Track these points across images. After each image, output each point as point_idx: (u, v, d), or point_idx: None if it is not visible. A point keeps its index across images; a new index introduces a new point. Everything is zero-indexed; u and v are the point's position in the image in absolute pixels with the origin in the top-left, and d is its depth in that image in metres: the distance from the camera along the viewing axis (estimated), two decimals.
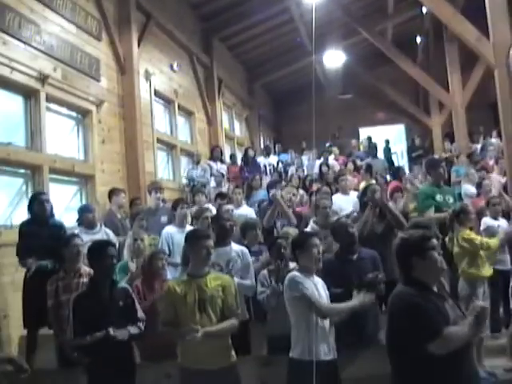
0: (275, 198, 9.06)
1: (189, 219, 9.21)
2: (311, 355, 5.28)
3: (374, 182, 12.42)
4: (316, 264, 5.60)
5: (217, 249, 5.78)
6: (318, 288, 5.53)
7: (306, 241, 5.65)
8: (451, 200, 8.47)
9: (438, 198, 8.45)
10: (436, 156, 11.86)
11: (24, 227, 7.86)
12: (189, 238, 5.67)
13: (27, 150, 9.59)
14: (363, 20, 20.15)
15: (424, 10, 20.82)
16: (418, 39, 24.18)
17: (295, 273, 5.58)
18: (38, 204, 7.89)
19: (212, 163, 15.70)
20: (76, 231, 8.46)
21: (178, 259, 8.04)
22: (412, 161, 20.25)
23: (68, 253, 7.00)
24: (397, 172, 14.87)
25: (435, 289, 4.10)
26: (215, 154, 16.13)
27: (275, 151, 20.08)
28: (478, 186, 11.46)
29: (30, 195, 9.39)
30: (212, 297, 5.26)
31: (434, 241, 4.16)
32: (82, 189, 11.26)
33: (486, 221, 8.86)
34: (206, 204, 10.66)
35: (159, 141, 14.60)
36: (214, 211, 9.23)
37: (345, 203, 10.56)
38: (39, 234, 7.68)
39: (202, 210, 8.87)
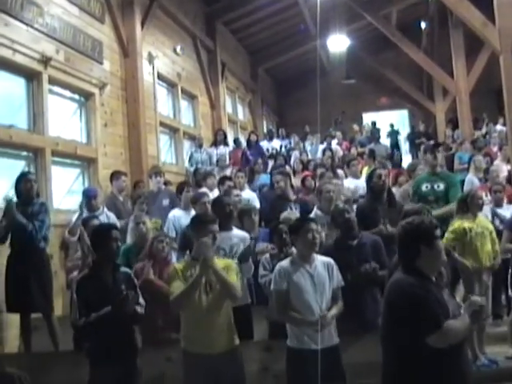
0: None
1: None
2: (310, 344, 5.32)
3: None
4: (311, 249, 5.58)
5: (220, 233, 5.73)
6: (314, 275, 5.50)
7: (302, 226, 5.65)
8: (441, 187, 8.39)
9: (424, 187, 8.41)
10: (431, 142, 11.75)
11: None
12: (194, 222, 5.69)
13: (29, 133, 9.57)
14: (367, 4, 20.00)
15: None
16: (423, 24, 24.10)
17: (282, 264, 5.63)
18: (24, 183, 7.85)
19: (214, 148, 15.66)
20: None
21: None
22: (414, 147, 20.24)
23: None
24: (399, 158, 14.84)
25: (433, 278, 4.02)
26: (219, 138, 16.03)
27: (278, 135, 19.98)
28: (485, 172, 11.35)
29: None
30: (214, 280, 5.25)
31: (439, 230, 4.08)
32: (84, 172, 11.23)
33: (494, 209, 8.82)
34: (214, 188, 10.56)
35: (162, 124, 14.56)
36: (212, 196, 9.16)
37: (356, 187, 10.56)
38: (24, 213, 7.65)
39: (200, 194, 8.79)
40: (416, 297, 3.79)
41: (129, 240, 8.29)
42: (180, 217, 8.83)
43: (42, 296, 7.62)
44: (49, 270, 7.95)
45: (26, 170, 8.87)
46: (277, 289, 5.53)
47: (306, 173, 12.30)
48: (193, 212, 8.57)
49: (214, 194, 9.90)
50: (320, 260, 5.64)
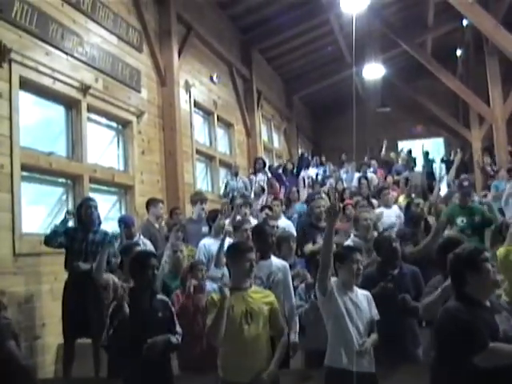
0: None
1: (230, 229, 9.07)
2: (349, 365, 5.26)
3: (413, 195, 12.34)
4: (355, 279, 5.56)
5: (258, 262, 5.70)
6: (357, 303, 5.47)
7: (348, 255, 5.60)
8: (476, 219, 8.31)
9: (460, 221, 8.33)
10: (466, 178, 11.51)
11: (70, 232, 7.85)
12: (231, 250, 5.60)
13: (68, 160, 9.69)
14: (403, 32, 20.07)
15: (465, 22, 20.73)
16: (458, 52, 24.02)
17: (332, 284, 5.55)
18: (85, 209, 7.91)
19: (253, 176, 15.70)
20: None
21: (214, 271, 8.03)
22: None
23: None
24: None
25: (488, 303, 4.10)
26: (257, 166, 16.04)
27: (314, 163, 19.93)
28: None
29: (69, 205, 9.53)
30: (259, 309, 5.21)
31: (487, 253, 4.20)
32: (121, 199, 11.35)
33: None
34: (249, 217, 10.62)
35: (198, 152, 14.66)
36: (253, 223, 9.17)
37: (387, 217, 10.49)
38: (85, 240, 7.76)
39: (242, 221, 8.79)
40: (461, 320, 3.90)
41: (165, 268, 8.29)
42: (210, 245, 8.71)
43: (96, 322, 7.62)
44: (104, 296, 7.98)
45: (87, 197, 8.89)
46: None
47: (348, 201, 12.24)
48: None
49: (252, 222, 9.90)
50: (360, 291, 5.62)
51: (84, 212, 7.89)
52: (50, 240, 7.71)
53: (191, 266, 7.29)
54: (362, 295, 5.60)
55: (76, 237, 7.78)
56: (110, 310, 5.68)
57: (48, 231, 7.90)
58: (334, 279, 5.58)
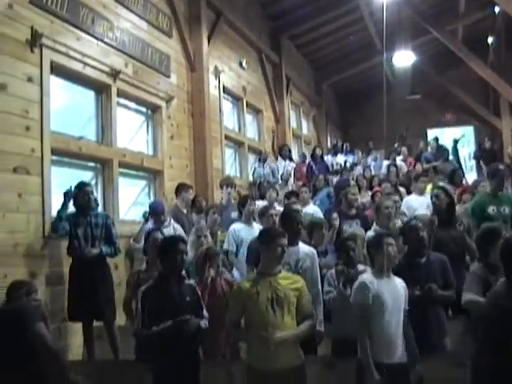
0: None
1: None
2: (381, 357, 5.26)
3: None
4: (392, 262, 5.54)
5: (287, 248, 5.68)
6: (394, 293, 5.44)
7: (381, 240, 5.57)
8: (507, 211, 8.20)
9: (491, 210, 8.20)
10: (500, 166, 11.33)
11: (71, 218, 7.92)
12: (264, 236, 5.57)
13: (98, 144, 9.74)
14: (433, 19, 19.84)
15: (496, 9, 20.44)
16: (490, 39, 23.71)
17: (365, 277, 5.54)
18: (82, 195, 7.93)
19: (280, 162, 15.76)
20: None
21: (243, 256, 7.94)
22: (479, 165, 19.88)
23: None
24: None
25: None
26: (283, 153, 16.16)
27: (342, 150, 19.89)
28: None
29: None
30: (286, 295, 5.20)
31: None
32: (150, 183, 11.38)
33: None
34: (275, 202, 10.62)
35: (227, 137, 14.63)
36: (279, 209, 9.15)
37: (419, 204, 10.42)
38: (88, 224, 7.90)
39: (268, 207, 8.76)
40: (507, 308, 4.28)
41: (190, 254, 8.11)
42: (240, 230, 8.72)
43: (105, 305, 7.74)
44: (111, 279, 8.10)
45: (86, 180, 8.82)
46: (362, 303, 5.39)
47: (377, 188, 12.18)
48: (254, 225, 8.64)
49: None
50: (397, 279, 5.62)
51: (82, 196, 7.93)
52: (56, 227, 7.79)
53: (206, 254, 7.12)
54: (399, 284, 5.59)
55: (78, 222, 7.88)
56: (140, 295, 5.71)
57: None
58: (366, 275, 5.62)
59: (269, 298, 5.15)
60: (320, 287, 6.66)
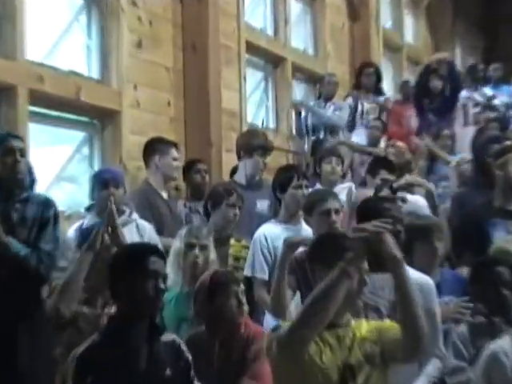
0: None
1: None
2: None
3: None
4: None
5: None
6: None
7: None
8: None
9: None
10: None
11: None
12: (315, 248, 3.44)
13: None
14: None
15: None
16: None
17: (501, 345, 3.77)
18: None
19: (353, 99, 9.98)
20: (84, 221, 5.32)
21: None
22: None
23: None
24: None
25: None
26: (365, 81, 10.05)
27: (488, 78, 12.27)
28: None
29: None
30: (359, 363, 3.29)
31: None
32: (92, 138, 7.00)
33: None
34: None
35: (251, 47, 8.96)
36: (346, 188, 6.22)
37: None
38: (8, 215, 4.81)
39: (324, 193, 5.42)
40: None
41: (170, 273, 4.41)
42: (276, 237, 5.30)
43: None
44: None
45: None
46: None
47: None
48: (303, 228, 5.45)
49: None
50: None
51: (2, 161, 4.71)
52: None
53: (216, 285, 4.12)
54: None
55: None
56: (74, 364, 3.14)
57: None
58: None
59: (339, 367, 3.27)
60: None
